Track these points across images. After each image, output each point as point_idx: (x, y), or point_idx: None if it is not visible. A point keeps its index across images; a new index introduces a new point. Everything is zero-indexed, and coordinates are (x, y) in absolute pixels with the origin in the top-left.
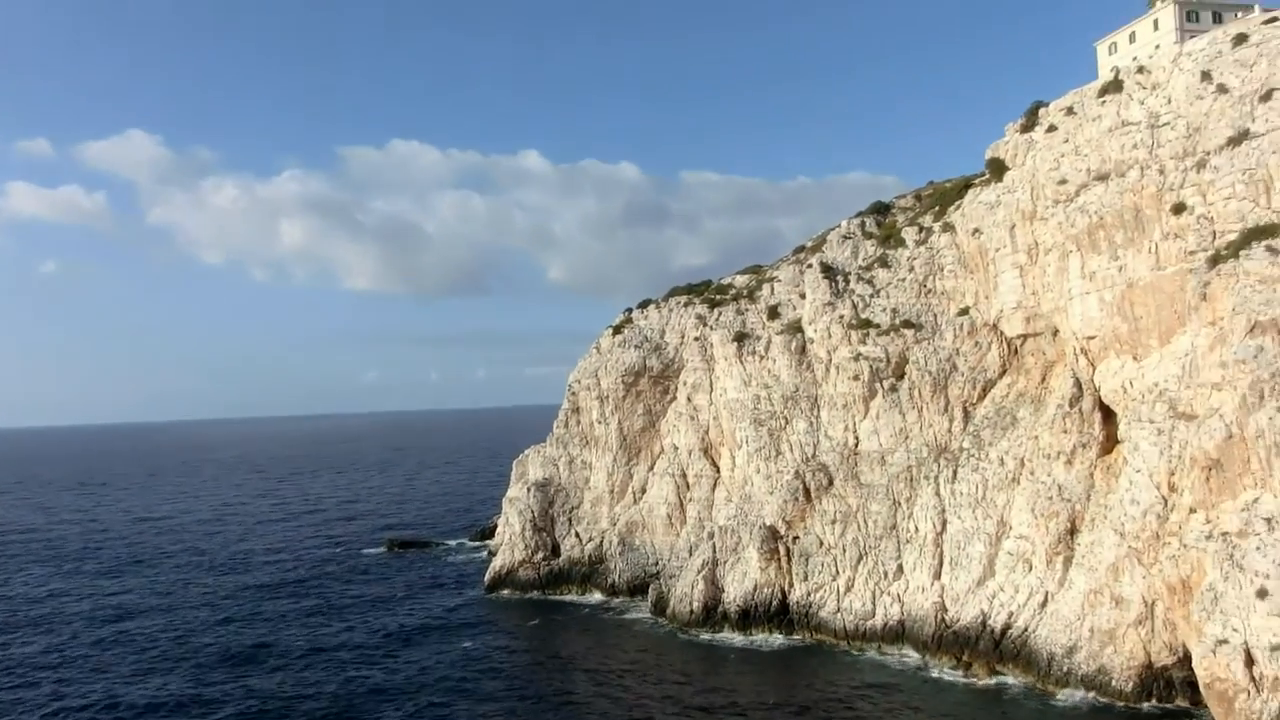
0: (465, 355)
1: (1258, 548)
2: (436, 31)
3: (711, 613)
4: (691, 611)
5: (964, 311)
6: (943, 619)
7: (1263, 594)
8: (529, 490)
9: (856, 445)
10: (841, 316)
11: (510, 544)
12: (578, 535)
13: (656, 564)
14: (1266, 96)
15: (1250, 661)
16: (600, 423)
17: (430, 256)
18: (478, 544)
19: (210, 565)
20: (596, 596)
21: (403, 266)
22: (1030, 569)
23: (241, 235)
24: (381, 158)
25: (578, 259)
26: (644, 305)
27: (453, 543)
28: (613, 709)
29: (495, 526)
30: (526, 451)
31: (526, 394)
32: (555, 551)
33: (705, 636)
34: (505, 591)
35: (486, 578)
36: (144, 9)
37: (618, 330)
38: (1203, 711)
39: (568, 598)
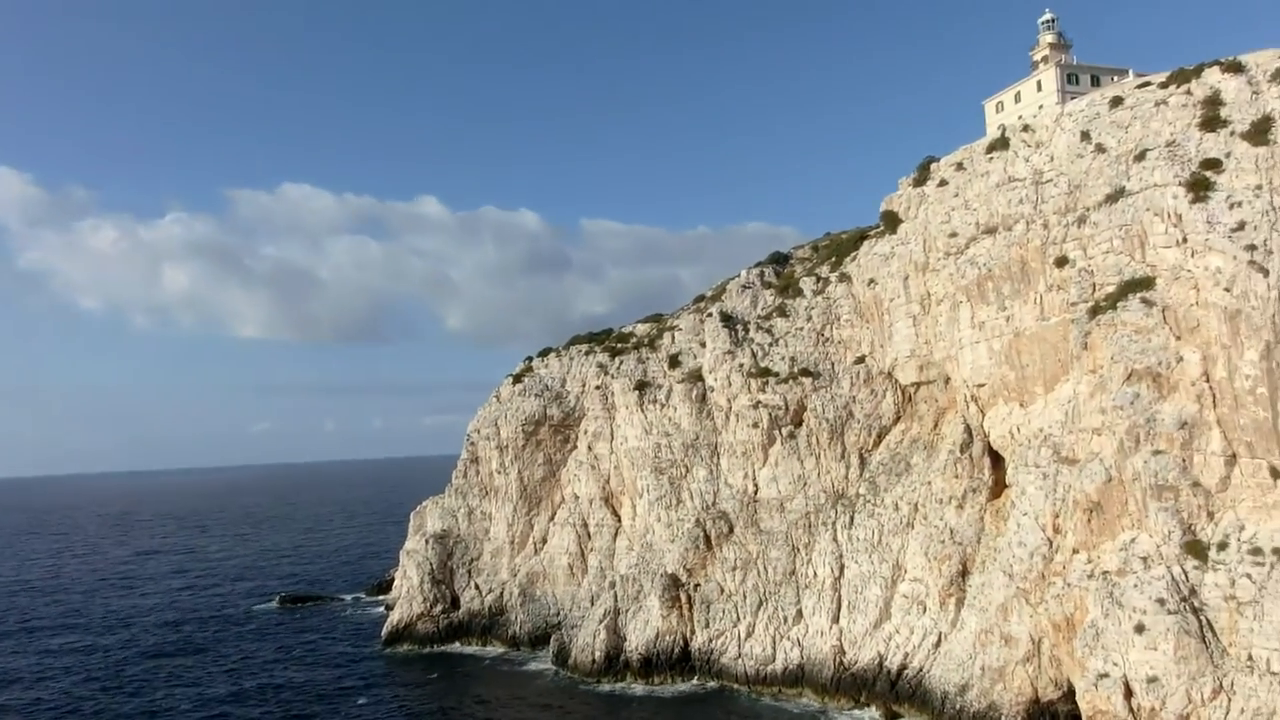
0: (361, 404)
1: (1135, 585)
2: (327, 75)
3: (614, 662)
4: (594, 661)
5: (860, 360)
6: (841, 662)
7: (1140, 629)
8: (427, 542)
9: (756, 492)
10: (741, 365)
11: (408, 597)
12: (478, 587)
13: (558, 614)
14: (1140, 156)
15: (1129, 694)
16: (500, 472)
17: (324, 303)
18: (375, 598)
19: (88, 627)
20: (497, 649)
21: (295, 314)
22: (924, 611)
23: (122, 280)
24: (272, 201)
25: (477, 307)
26: (545, 354)
27: (348, 597)
28: None
29: (393, 580)
30: (425, 503)
31: (424, 444)
32: (455, 604)
33: (607, 686)
34: (403, 646)
35: (384, 632)
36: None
37: (518, 379)
38: None
39: (468, 650)
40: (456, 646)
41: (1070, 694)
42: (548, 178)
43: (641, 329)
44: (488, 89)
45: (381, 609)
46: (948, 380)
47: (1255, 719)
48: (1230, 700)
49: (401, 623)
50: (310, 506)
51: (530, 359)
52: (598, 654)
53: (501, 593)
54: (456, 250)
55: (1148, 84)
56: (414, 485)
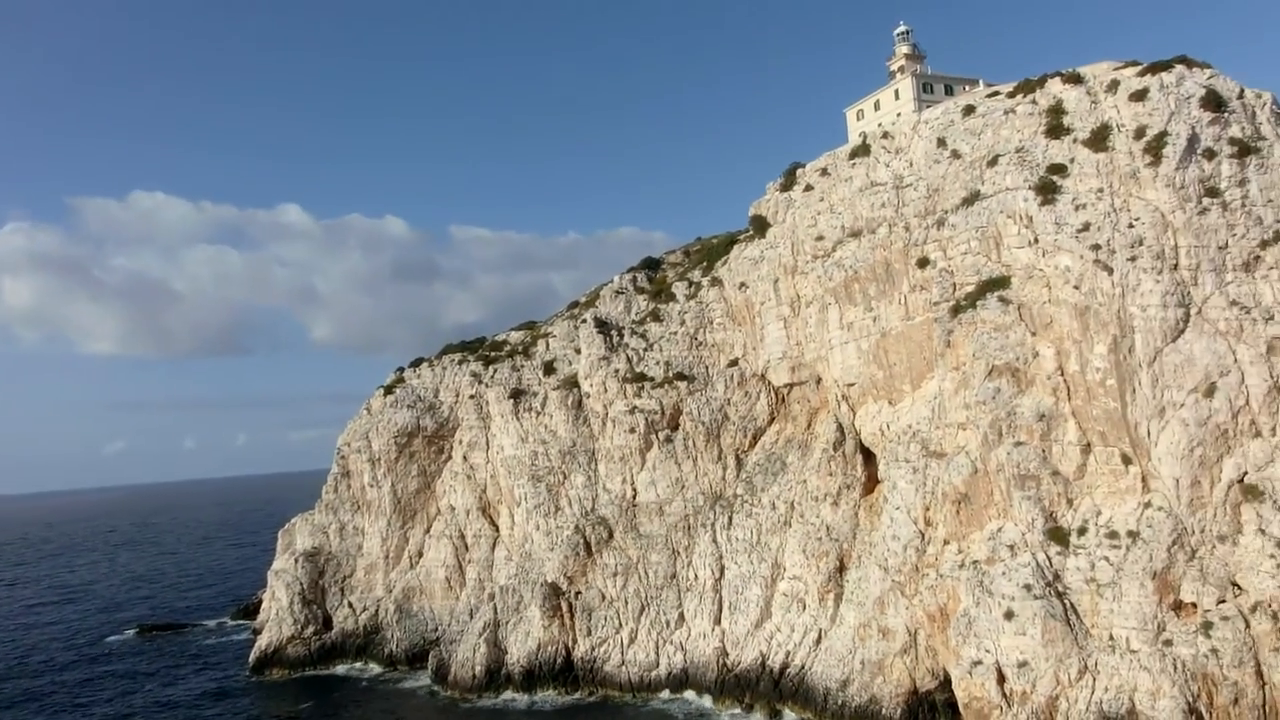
0: (223, 420)
1: (1003, 573)
2: (181, 77)
3: (495, 676)
4: (474, 676)
5: (734, 363)
6: (724, 663)
7: (1009, 615)
8: (297, 561)
9: (635, 497)
10: (617, 370)
11: (277, 619)
12: (351, 605)
13: (436, 630)
14: (993, 162)
15: (1002, 679)
16: (372, 486)
17: (182, 316)
18: (241, 622)
19: None
20: (374, 668)
21: (151, 327)
22: (804, 608)
23: None
24: (122, 210)
25: (344, 317)
26: (416, 364)
27: (212, 623)
28: None
29: (260, 602)
30: (294, 520)
31: (292, 460)
32: (327, 624)
33: (489, 701)
34: (273, 671)
35: (251, 658)
36: None
37: (389, 390)
38: None
39: (343, 672)
40: (330, 669)
41: (947, 683)
42: (415, 184)
43: (515, 336)
44: (352, 92)
45: (249, 633)
46: (819, 380)
47: (1118, 695)
48: (1095, 679)
49: (270, 647)
50: (170, 529)
51: (402, 369)
52: (478, 668)
53: (376, 610)
54: (322, 259)
55: (997, 93)
56: (282, 503)
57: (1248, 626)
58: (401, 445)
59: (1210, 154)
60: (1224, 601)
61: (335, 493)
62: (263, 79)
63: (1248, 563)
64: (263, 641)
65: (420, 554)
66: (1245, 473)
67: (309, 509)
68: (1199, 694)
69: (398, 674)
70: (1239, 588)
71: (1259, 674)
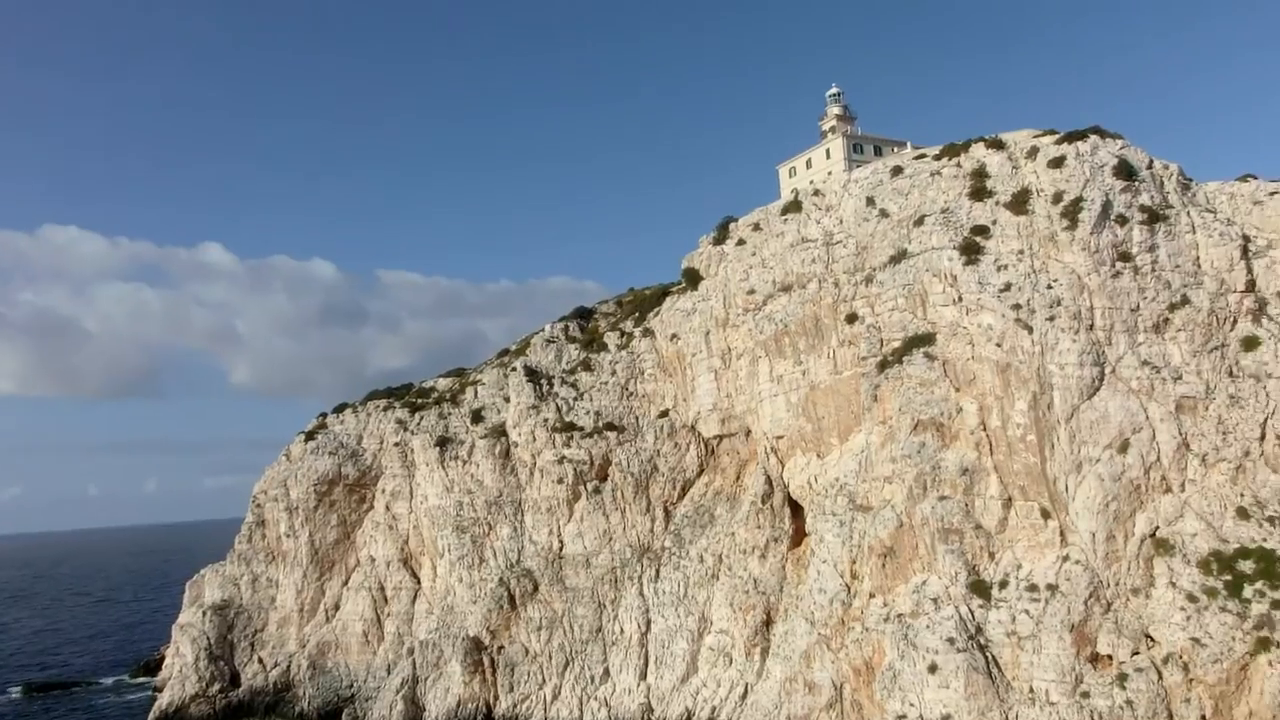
0: (132, 465)
1: (927, 626)
2: (97, 100)
3: None
4: None
5: (664, 414)
6: (650, 719)
7: (933, 668)
8: (204, 614)
9: (561, 549)
10: (546, 420)
11: (181, 677)
12: (261, 661)
13: (352, 686)
14: (919, 221)
15: None
16: (289, 536)
17: (91, 355)
18: (141, 680)
19: None
20: None
21: (57, 366)
22: (731, 662)
23: None
24: (31, 244)
25: (266, 360)
26: (340, 409)
27: (108, 681)
28: None
29: (163, 658)
30: (203, 571)
31: (205, 508)
32: (235, 681)
33: None
34: None
35: (150, 718)
36: None
37: (310, 436)
38: None
39: None
40: None
41: None
42: (343, 227)
43: (443, 383)
44: (280, 134)
45: (149, 692)
46: (749, 432)
47: None
48: None
49: (172, 706)
50: (66, 580)
51: (324, 415)
52: None
53: (289, 666)
54: (244, 300)
55: (924, 155)
56: (191, 553)
57: (1160, 678)
58: (321, 493)
59: (1123, 220)
60: (1138, 653)
61: (249, 542)
62: (186, 117)
63: (1160, 615)
64: (163, 700)
65: (337, 607)
66: (1157, 527)
67: (220, 559)
68: None
69: None
70: (1152, 639)
71: None
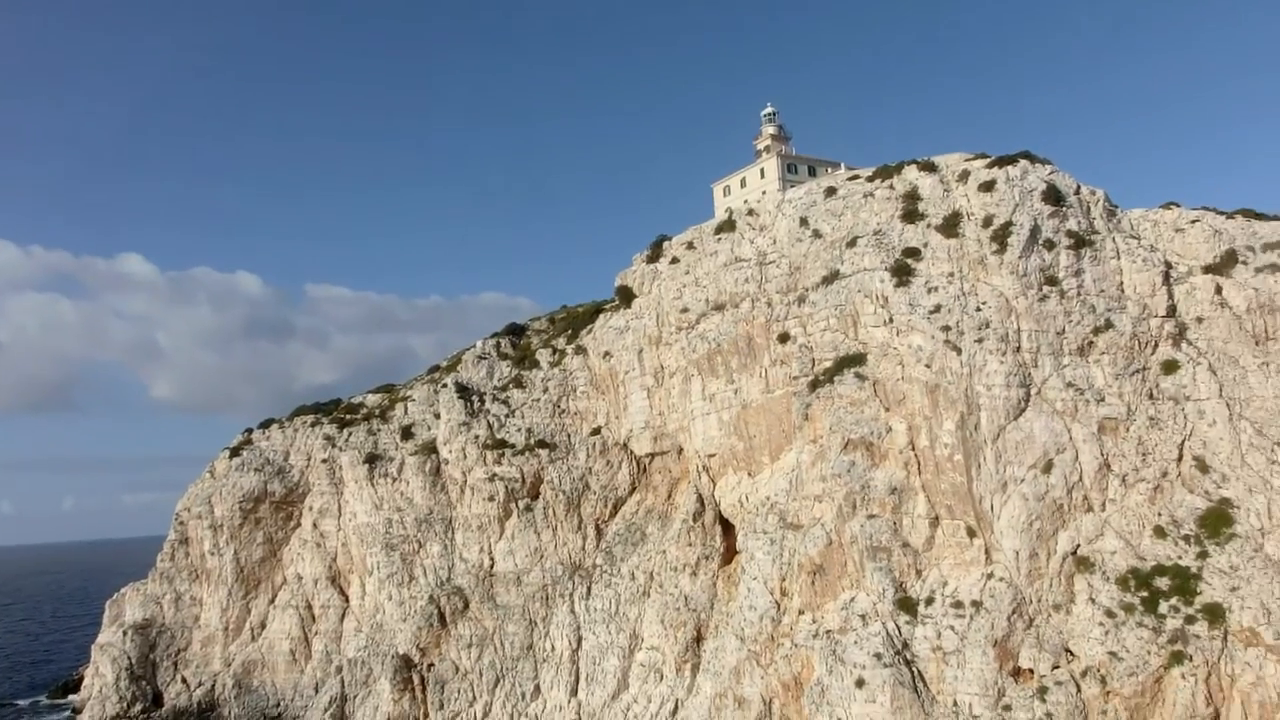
0: (47, 482)
1: (855, 641)
2: (8, 104)
3: None
4: None
5: (596, 431)
6: None
7: (860, 683)
8: (125, 633)
9: (492, 566)
10: (477, 437)
11: (100, 697)
12: (185, 681)
13: (279, 705)
14: (852, 243)
15: None
16: (213, 554)
17: (3, 369)
18: (58, 701)
19: None
20: None
21: None
22: (662, 678)
23: None
24: None
25: (189, 374)
26: (266, 425)
27: (24, 702)
28: None
29: (82, 678)
30: (124, 590)
31: (125, 525)
32: (157, 701)
33: None
34: None
35: None
36: None
37: (235, 452)
38: None
39: None
40: None
41: None
42: (269, 240)
43: (372, 399)
44: (203, 145)
45: (68, 713)
46: (681, 451)
47: None
48: None
49: None
50: None
51: (250, 431)
52: None
53: (213, 685)
54: (166, 313)
55: (857, 177)
56: (112, 571)
57: (1079, 690)
58: (247, 511)
59: (1050, 245)
60: (1058, 667)
61: (172, 560)
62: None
63: (1079, 630)
64: None
65: (263, 625)
66: (1078, 545)
67: (142, 578)
68: None
69: None
70: (1072, 654)
71: None
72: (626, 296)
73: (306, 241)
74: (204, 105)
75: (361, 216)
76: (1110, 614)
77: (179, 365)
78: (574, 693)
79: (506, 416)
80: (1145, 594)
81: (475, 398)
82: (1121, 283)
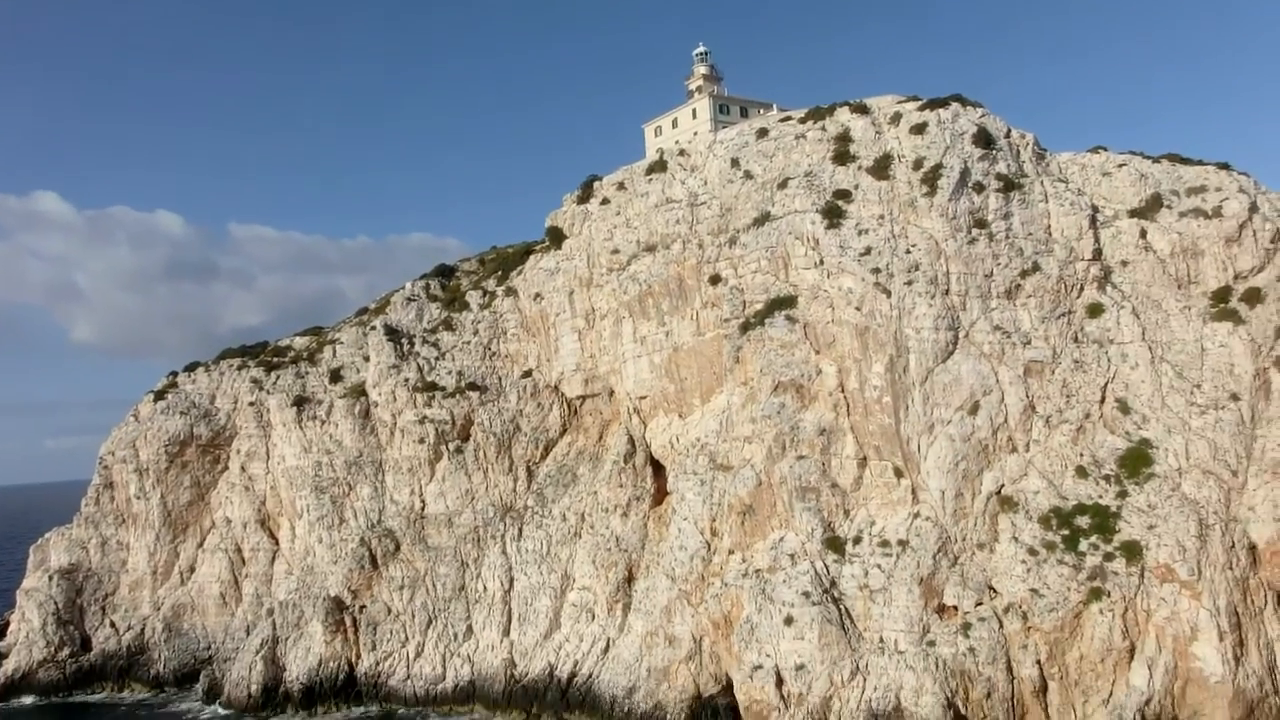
0: None
1: (784, 580)
2: None
3: (272, 694)
4: (250, 695)
5: (527, 374)
6: (512, 674)
7: (789, 621)
8: (51, 578)
9: (423, 509)
10: (407, 379)
11: (27, 642)
12: (114, 625)
13: (209, 648)
14: (783, 184)
15: (780, 682)
16: (140, 498)
17: None
18: None
19: None
20: (139, 692)
21: None
22: (593, 618)
23: None
24: None
25: (110, 317)
26: (191, 368)
27: None
28: None
29: (8, 624)
30: (48, 535)
31: (46, 470)
32: (85, 646)
33: (265, 719)
34: (23, 699)
35: None
36: None
37: (160, 395)
38: None
39: (102, 697)
40: (89, 693)
41: (729, 687)
42: (190, 178)
43: (300, 342)
44: (120, 78)
45: None
46: (612, 393)
47: (886, 694)
48: (866, 679)
49: (18, 672)
50: None
51: (175, 374)
52: (254, 687)
53: (142, 629)
54: (84, 253)
55: (789, 118)
56: (34, 517)
57: (1001, 626)
58: (173, 454)
59: (980, 188)
60: (981, 604)
61: (97, 505)
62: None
63: (1002, 568)
64: (9, 666)
65: (192, 569)
66: (1002, 485)
67: (66, 522)
68: (957, 690)
69: (165, 696)
70: (995, 591)
71: (1009, 669)
72: (557, 237)
73: (229, 179)
74: (117, 34)
75: (284, 155)
76: (1032, 552)
77: (99, 307)
78: (506, 633)
79: (436, 359)
80: (1066, 532)
81: (405, 340)
82: (1049, 226)
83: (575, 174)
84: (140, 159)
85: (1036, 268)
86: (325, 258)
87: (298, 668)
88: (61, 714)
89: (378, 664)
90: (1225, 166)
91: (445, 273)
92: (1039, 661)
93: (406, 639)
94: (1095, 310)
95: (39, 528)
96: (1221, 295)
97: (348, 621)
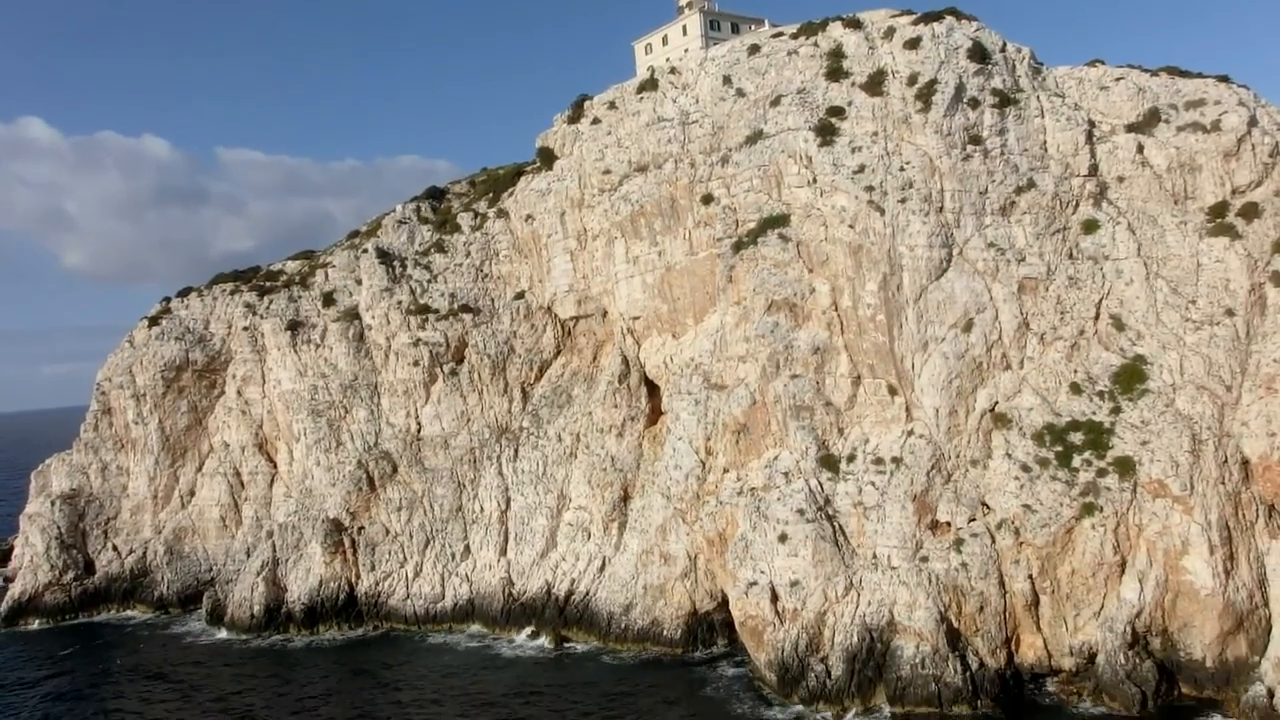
0: None
1: (778, 498)
2: None
3: (275, 614)
4: (253, 616)
5: (520, 295)
6: (510, 593)
7: (783, 538)
8: (53, 503)
9: (419, 431)
10: (400, 302)
11: (32, 566)
12: (116, 548)
13: (211, 570)
14: (776, 101)
15: (775, 598)
16: (138, 423)
17: None
18: None
19: None
20: (143, 613)
21: None
22: (589, 537)
23: None
24: None
25: (101, 243)
26: (184, 294)
27: None
28: None
29: (12, 548)
30: (49, 460)
31: (44, 397)
32: (89, 569)
33: (266, 640)
34: (30, 622)
35: (2, 607)
36: None
37: (154, 321)
38: (739, 648)
39: (108, 618)
40: (94, 615)
41: (724, 604)
42: (176, 103)
43: (292, 266)
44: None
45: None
46: (605, 314)
47: (879, 609)
48: (859, 595)
49: (25, 595)
50: None
51: (168, 299)
52: (256, 608)
53: (145, 552)
54: (72, 180)
55: (781, 34)
56: (33, 443)
57: (993, 542)
58: (169, 380)
59: (975, 103)
60: (974, 520)
61: (95, 431)
62: None
63: (995, 484)
64: (15, 590)
65: (192, 493)
66: (996, 402)
67: (66, 448)
68: (949, 604)
69: (169, 617)
70: (988, 507)
71: (1001, 584)
72: (548, 158)
73: (215, 103)
74: None
75: (270, 78)
76: (1025, 468)
77: (90, 234)
78: (503, 552)
79: (429, 281)
80: (1060, 449)
81: (397, 263)
82: (1045, 142)
83: (566, 94)
84: (125, 84)
85: (1032, 184)
86: (314, 181)
87: (298, 589)
88: (70, 635)
89: (377, 584)
90: (1225, 79)
91: (436, 195)
92: (1031, 576)
93: (405, 559)
94: (1090, 226)
95: (39, 454)
96: (1218, 210)
97: (346, 543)
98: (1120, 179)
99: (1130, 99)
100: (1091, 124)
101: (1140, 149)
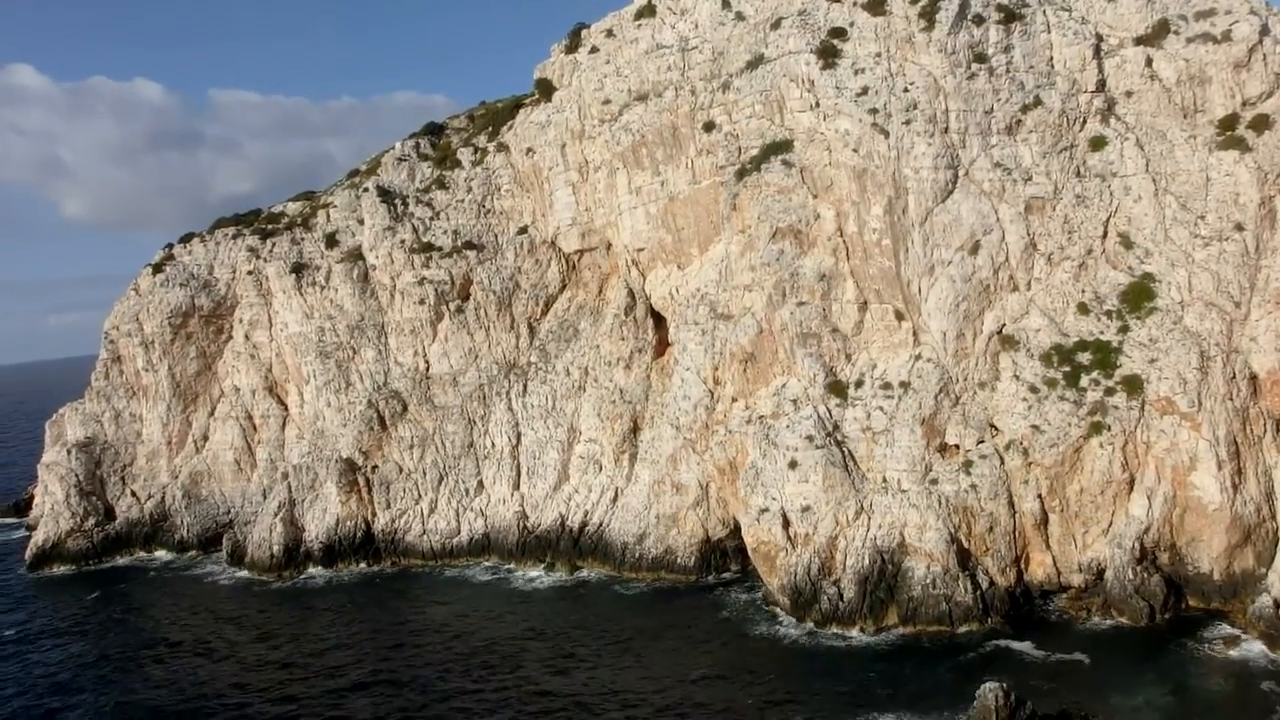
0: None
1: (787, 426)
2: None
3: (294, 554)
4: (272, 555)
5: (523, 230)
6: (525, 526)
7: (793, 465)
8: (69, 452)
9: (428, 369)
10: (403, 241)
11: (53, 514)
12: (134, 494)
13: (229, 512)
14: (776, 24)
15: (787, 524)
16: (148, 370)
17: None
18: (10, 520)
19: None
20: (165, 555)
21: None
22: (601, 469)
23: None
24: None
25: (99, 191)
26: (187, 239)
27: None
28: (186, 671)
29: (32, 497)
30: (62, 410)
31: (52, 347)
32: (109, 515)
33: (287, 580)
34: (55, 568)
35: (28, 555)
36: None
37: (158, 268)
38: (751, 574)
39: (131, 561)
40: (117, 559)
41: (737, 530)
42: (165, 45)
43: (293, 208)
44: None
45: (22, 531)
46: (609, 246)
47: (890, 531)
48: (870, 518)
49: (48, 542)
50: None
51: (171, 246)
52: (276, 548)
53: (163, 497)
54: (66, 127)
55: None
56: (46, 393)
57: (1002, 463)
58: (176, 326)
59: (979, 20)
60: (983, 442)
61: (106, 379)
62: None
63: (1004, 406)
64: (39, 537)
65: (206, 437)
66: (1004, 324)
67: (77, 397)
68: (959, 525)
69: (190, 559)
70: (996, 429)
71: (1010, 504)
72: (546, 90)
73: (205, 44)
74: None
75: (259, 16)
76: (1034, 389)
77: (87, 181)
78: (516, 486)
79: (431, 219)
80: (1067, 369)
81: (398, 201)
82: (1051, 58)
83: (563, 23)
84: (114, 27)
85: (1038, 102)
86: (311, 121)
87: (316, 528)
88: (95, 579)
89: (393, 521)
90: None
91: (435, 131)
92: (1040, 495)
93: (419, 496)
94: (1098, 143)
95: (52, 404)
96: (1228, 123)
97: (361, 482)
98: (1128, 93)
99: (1139, 10)
100: (1099, 37)
101: (1149, 62)
